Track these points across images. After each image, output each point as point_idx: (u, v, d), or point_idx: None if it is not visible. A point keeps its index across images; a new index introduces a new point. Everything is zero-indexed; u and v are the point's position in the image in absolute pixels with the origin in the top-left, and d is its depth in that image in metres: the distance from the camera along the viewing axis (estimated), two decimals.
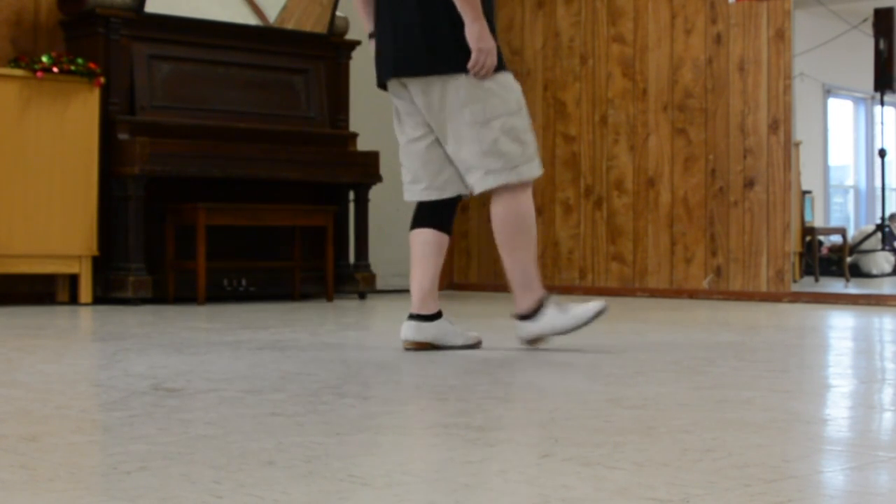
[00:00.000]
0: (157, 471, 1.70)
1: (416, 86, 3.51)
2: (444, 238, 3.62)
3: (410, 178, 3.64)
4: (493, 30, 3.50)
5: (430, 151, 3.60)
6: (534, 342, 3.62)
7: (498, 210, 3.53)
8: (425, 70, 3.47)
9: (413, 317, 3.56)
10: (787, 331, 4.70)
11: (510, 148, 3.48)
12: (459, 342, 3.59)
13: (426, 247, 3.59)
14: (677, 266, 6.90)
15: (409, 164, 3.64)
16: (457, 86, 3.45)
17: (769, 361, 3.46)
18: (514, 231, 3.53)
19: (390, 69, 3.54)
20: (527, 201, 3.55)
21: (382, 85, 3.64)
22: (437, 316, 3.57)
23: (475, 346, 3.62)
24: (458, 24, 3.44)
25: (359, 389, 2.77)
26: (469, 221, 7.78)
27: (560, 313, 3.57)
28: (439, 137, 3.55)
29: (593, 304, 3.60)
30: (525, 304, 3.58)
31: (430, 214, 3.63)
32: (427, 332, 3.55)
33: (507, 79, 3.53)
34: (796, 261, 8.35)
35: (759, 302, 6.48)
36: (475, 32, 3.41)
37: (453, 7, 3.43)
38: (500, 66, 3.51)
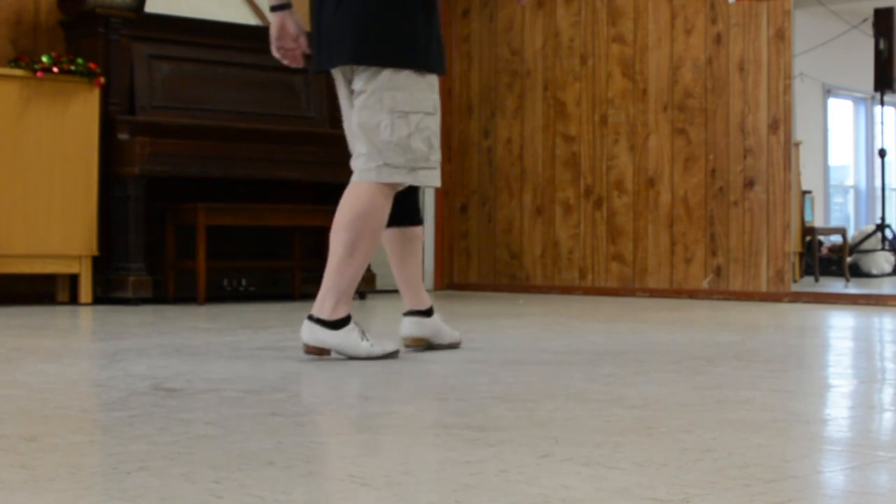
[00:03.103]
0: (157, 471, 1.70)
1: (352, 72, 3.37)
2: (414, 232, 3.58)
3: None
4: (435, 27, 3.38)
5: None
6: (319, 352, 3.26)
7: (358, 203, 3.30)
8: (371, 60, 3.29)
9: (412, 312, 3.56)
10: (787, 331, 4.70)
11: (419, 147, 3.30)
12: (447, 341, 3.61)
13: (408, 243, 3.60)
14: (677, 266, 6.90)
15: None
16: (387, 73, 3.30)
17: (769, 361, 3.46)
18: (361, 232, 3.29)
19: (332, 58, 3.37)
20: (387, 206, 3.33)
21: (317, 70, 3.50)
22: (432, 311, 3.59)
23: (457, 345, 3.63)
24: (397, 14, 3.30)
25: (359, 389, 2.77)
26: (469, 221, 7.78)
27: (360, 337, 3.27)
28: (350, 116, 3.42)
29: (389, 343, 3.33)
30: (335, 312, 3.25)
31: (399, 210, 3.49)
32: (428, 327, 3.56)
33: (435, 81, 3.39)
34: (796, 261, 8.35)
35: (759, 302, 6.48)
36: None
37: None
38: (439, 69, 3.39)
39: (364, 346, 3.24)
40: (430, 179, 3.34)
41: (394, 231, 3.55)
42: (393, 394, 2.74)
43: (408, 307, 3.56)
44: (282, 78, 6.60)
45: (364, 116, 3.32)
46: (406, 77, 3.31)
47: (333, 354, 3.28)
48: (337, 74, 3.46)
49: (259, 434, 2.04)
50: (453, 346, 3.61)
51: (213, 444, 1.93)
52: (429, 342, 3.56)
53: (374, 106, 3.30)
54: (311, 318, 3.25)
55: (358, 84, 3.36)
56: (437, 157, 3.37)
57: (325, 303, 3.25)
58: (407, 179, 3.30)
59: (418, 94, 3.32)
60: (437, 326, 3.58)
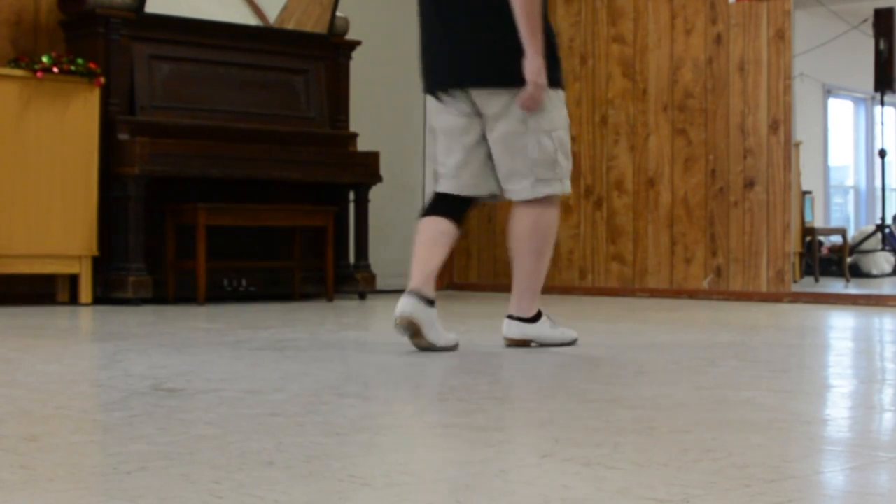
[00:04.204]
0: (157, 471, 1.70)
1: (482, 94, 3.59)
2: (456, 232, 3.65)
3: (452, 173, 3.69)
4: (554, 42, 3.64)
5: (477, 150, 3.66)
6: (520, 343, 3.66)
7: (531, 217, 3.63)
8: (504, 82, 3.54)
9: (413, 293, 3.45)
10: (787, 331, 4.70)
11: (562, 160, 3.63)
12: (441, 343, 3.50)
13: (441, 235, 3.60)
14: (677, 266, 6.90)
15: (449, 160, 3.69)
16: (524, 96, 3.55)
17: (769, 361, 3.46)
18: (542, 239, 3.65)
19: (460, 79, 3.59)
20: (556, 214, 3.71)
21: (434, 91, 3.71)
22: (433, 304, 3.50)
23: (453, 348, 3.53)
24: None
25: (359, 389, 2.77)
26: (469, 221, 7.77)
27: (552, 327, 3.70)
28: (490, 140, 3.63)
29: (571, 332, 3.74)
30: (530, 309, 3.66)
31: (451, 207, 3.66)
32: (422, 312, 3.43)
33: (562, 97, 3.67)
34: (796, 261, 8.35)
35: (759, 302, 6.47)
36: (536, 67, 3.49)
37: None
38: (561, 84, 3.64)
39: (557, 334, 3.69)
40: (567, 187, 3.71)
41: (439, 220, 3.62)
42: (393, 394, 2.74)
43: (413, 286, 3.48)
44: (282, 78, 6.60)
45: (510, 140, 3.60)
46: (544, 96, 3.56)
47: (532, 344, 3.66)
48: (454, 94, 3.63)
49: (259, 434, 2.04)
50: (447, 349, 3.52)
51: (213, 444, 1.93)
52: (419, 329, 3.43)
53: (518, 129, 3.58)
54: (511, 317, 3.66)
55: (492, 107, 3.59)
56: (570, 165, 3.71)
57: (523, 303, 3.65)
58: (557, 189, 3.65)
59: (555, 111, 3.61)
60: (432, 319, 3.49)
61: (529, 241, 3.63)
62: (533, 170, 3.59)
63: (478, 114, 3.64)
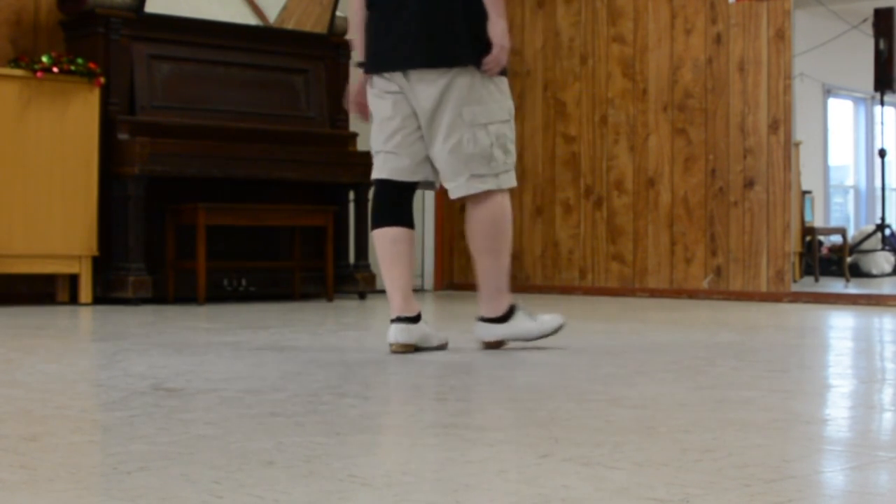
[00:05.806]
0: (157, 471, 1.70)
1: (420, 77, 3.46)
2: (412, 234, 3.57)
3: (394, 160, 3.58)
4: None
5: (412, 135, 3.54)
6: (496, 345, 3.61)
7: (480, 214, 3.53)
8: (442, 62, 3.43)
9: (400, 319, 3.47)
10: (787, 331, 4.70)
11: (498, 155, 3.50)
12: (435, 343, 3.56)
13: (399, 245, 3.52)
14: (677, 266, 6.90)
15: (386, 143, 3.59)
16: (464, 81, 3.44)
17: (769, 361, 3.46)
18: (496, 234, 3.55)
19: (402, 60, 3.46)
20: (507, 206, 3.56)
21: (374, 73, 3.56)
22: (420, 318, 3.51)
23: (444, 347, 3.58)
24: (473, 16, 3.43)
25: (359, 389, 2.77)
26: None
27: (529, 320, 3.59)
28: (425, 130, 3.51)
29: (556, 318, 3.62)
30: (498, 308, 3.58)
31: (396, 209, 3.56)
32: (414, 333, 3.48)
33: (506, 85, 3.56)
34: (796, 261, 8.35)
35: (759, 302, 6.47)
36: (500, 29, 3.42)
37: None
38: (504, 70, 3.52)
39: (535, 326, 3.57)
40: (510, 181, 3.56)
41: (392, 230, 3.54)
42: (393, 394, 2.74)
43: (396, 313, 3.49)
44: (282, 78, 6.60)
45: (446, 134, 3.47)
46: (481, 86, 3.47)
47: (510, 343, 3.61)
48: (394, 77, 3.51)
49: (259, 434, 2.04)
50: (441, 348, 3.56)
51: (213, 444, 1.93)
52: (416, 348, 3.50)
53: (454, 122, 3.46)
54: (483, 319, 3.59)
55: (429, 97, 3.45)
56: (512, 160, 3.58)
57: (491, 303, 3.58)
58: (492, 185, 3.50)
59: (493, 104, 3.50)
60: (423, 332, 3.51)
61: (483, 240, 3.55)
62: (468, 165, 3.47)
63: (406, 101, 3.52)
